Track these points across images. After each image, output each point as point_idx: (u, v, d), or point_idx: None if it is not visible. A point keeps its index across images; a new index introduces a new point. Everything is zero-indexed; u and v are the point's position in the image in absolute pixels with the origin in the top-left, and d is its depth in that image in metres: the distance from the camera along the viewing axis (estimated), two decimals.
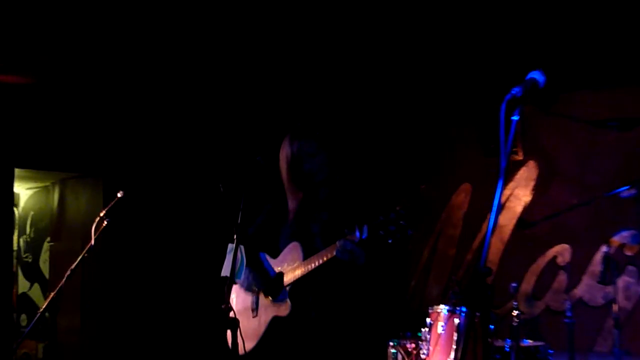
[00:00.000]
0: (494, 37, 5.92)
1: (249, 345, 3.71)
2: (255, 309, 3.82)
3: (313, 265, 3.52)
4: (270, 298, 3.75)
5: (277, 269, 3.78)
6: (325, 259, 3.48)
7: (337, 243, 3.39)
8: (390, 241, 3.19)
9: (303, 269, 3.57)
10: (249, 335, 3.72)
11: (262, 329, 3.71)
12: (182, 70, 6.65)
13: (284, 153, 3.78)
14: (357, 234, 3.30)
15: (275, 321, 3.67)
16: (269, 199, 3.99)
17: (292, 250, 3.70)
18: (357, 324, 3.64)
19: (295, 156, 3.73)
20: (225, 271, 3.73)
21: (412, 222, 3.18)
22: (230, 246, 3.70)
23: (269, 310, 3.72)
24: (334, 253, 3.40)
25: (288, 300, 3.60)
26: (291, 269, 3.66)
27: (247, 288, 3.87)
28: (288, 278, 3.66)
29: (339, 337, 3.60)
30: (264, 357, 3.71)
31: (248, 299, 3.89)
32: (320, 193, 3.76)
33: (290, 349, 3.66)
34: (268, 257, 3.87)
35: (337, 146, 3.77)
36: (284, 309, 3.62)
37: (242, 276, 3.84)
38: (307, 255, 3.58)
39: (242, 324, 3.64)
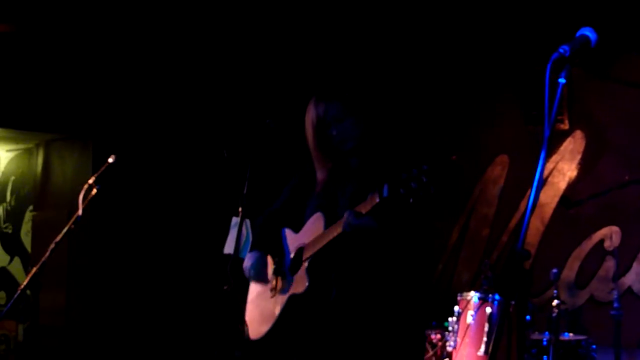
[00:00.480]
0: None
1: (264, 328, 3.73)
2: (274, 288, 3.84)
3: (327, 239, 3.54)
4: (286, 278, 3.77)
5: (297, 244, 3.79)
6: (335, 233, 3.50)
7: (344, 215, 3.41)
8: (411, 200, 3.19)
9: (321, 242, 3.59)
10: (265, 317, 3.74)
11: (278, 309, 3.73)
12: (184, 23, 6.65)
13: (309, 117, 3.77)
14: (378, 195, 3.32)
15: (292, 300, 3.69)
16: (295, 171, 3.99)
17: (315, 221, 3.72)
18: (383, 305, 3.64)
19: (321, 120, 3.72)
20: (229, 248, 3.75)
21: (435, 179, 3.18)
22: (235, 220, 3.72)
23: (287, 289, 3.75)
24: (341, 228, 3.44)
25: (306, 276, 3.62)
26: (311, 242, 3.68)
27: (255, 278, 3.89)
28: (307, 252, 3.68)
29: (363, 320, 3.60)
30: (277, 341, 3.72)
31: (266, 280, 3.91)
32: (351, 163, 3.77)
33: (306, 331, 3.67)
34: (289, 232, 3.89)
35: (367, 110, 3.76)
36: (300, 285, 3.64)
37: (248, 262, 3.86)
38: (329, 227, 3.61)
39: (259, 306, 3.67)
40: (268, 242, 3.86)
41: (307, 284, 3.59)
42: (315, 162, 3.84)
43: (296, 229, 3.85)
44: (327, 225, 3.61)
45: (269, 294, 3.86)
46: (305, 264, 3.66)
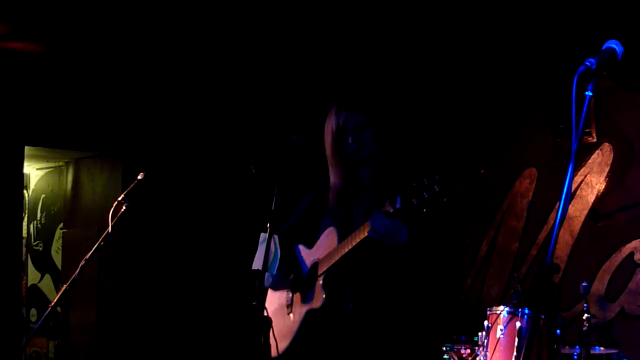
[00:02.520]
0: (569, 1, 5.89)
1: (283, 345, 3.74)
2: (290, 304, 3.84)
3: (347, 248, 3.54)
4: (302, 294, 3.78)
5: (311, 259, 3.79)
6: (358, 239, 3.48)
7: (371, 216, 3.40)
8: (425, 210, 3.19)
9: (337, 255, 3.58)
10: (283, 334, 3.75)
11: (296, 326, 3.74)
12: (212, 39, 6.69)
13: (329, 124, 3.79)
14: (391, 206, 3.32)
15: (309, 315, 3.69)
16: (309, 187, 4.01)
17: (328, 235, 3.73)
18: (402, 319, 3.63)
19: (340, 128, 3.74)
20: (257, 264, 3.75)
21: (447, 188, 3.18)
22: (263, 236, 3.73)
23: (303, 304, 3.75)
24: (367, 233, 3.42)
25: (322, 291, 3.62)
26: (326, 256, 3.68)
27: (273, 287, 3.90)
28: (322, 267, 3.68)
29: (381, 334, 3.59)
30: (297, 357, 3.73)
31: (283, 294, 3.92)
32: (363, 173, 3.77)
33: (325, 346, 3.67)
34: (302, 249, 3.89)
35: (388, 123, 3.77)
36: (317, 301, 3.64)
37: (267, 275, 3.88)
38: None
39: (277, 323, 3.68)
40: (283, 259, 3.87)
41: (323, 298, 3.59)
42: (330, 170, 3.85)
43: (310, 245, 3.85)
44: (341, 239, 3.61)
45: (285, 310, 3.86)
46: (321, 279, 3.66)
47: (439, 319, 6.58)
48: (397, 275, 3.61)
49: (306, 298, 3.75)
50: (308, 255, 3.85)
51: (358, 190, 3.78)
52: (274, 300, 3.98)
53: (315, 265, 3.74)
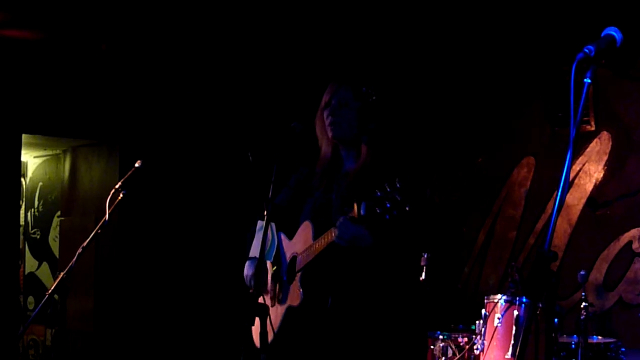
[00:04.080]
0: None
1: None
2: (274, 297, 3.86)
3: (319, 249, 3.56)
4: (283, 285, 3.79)
5: (290, 252, 3.80)
6: (326, 243, 3.51)
7: (337, 223, 3.42)
8: (387, 217, 3.21)
9: (312, 253, 3.60)
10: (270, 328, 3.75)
11: (279, 320, 3.75)
12: (209, 27, 6.67)
13: (323, 98, 3.80)
14: (356, 211, 3.34)
15: (289, 312, 3.70)
16: (298, 168, 4.00)
17: (304, 230, 3.74)
18: (380, 314, 3.63)
19: (328, 100, 3.75)
20: (254, 252, 3.75)
21: (408, 197, 3.18)
22: (260, 223, 3.72)
23: (282, 300, 3.77)
24: (333, 238, 3.44)
25: (299, 289, 3.63)
26: (303, 252, 3.69)
27: (255, 288, 3.89)
28: (300, 262, 3.70)
29: (361, 328, 3.60)
30: (281, 352, 3.73)
31: (270, 286, 3.92)
32: (344, 157, 3.78)
33: (307, 342, 3.68)
34: (284, 239, 3.90)
35: (376, 114, 3.75)
36: (295, 298, 3.66)
37: (249, 271, 3.88)
38: (318, 236, 3.61)
39: None
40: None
41: (301, 296, 3.61)
42: (320, 144, 3.86)
43: (294, 230, 3.85)
44: (316, 234, 3.62)
45: (269, 302, 3.87)
46: (298, 276, 3.67)
47: (435, 307, 6.58)
48: (367, 275, 3.62)
49: (285, 293, 3.77)
50: (288, 247, 3.85)
51: (340, 173, 3.78)
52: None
53: (294, 259, 3.76)
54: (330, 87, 3.78)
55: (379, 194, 3.21)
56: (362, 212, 3.29)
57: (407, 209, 3.20)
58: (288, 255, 3.83)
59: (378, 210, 3.21)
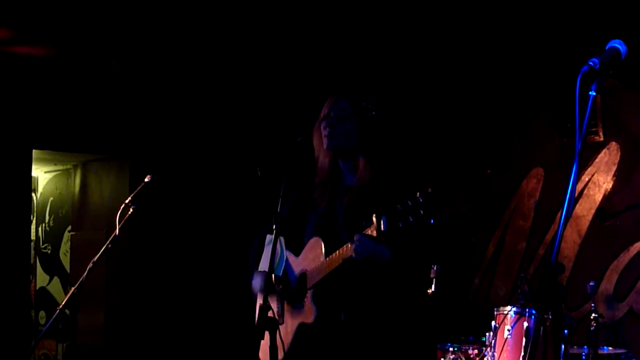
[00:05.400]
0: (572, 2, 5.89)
1: (278, 356, 3.73)
2: (282, 314, 3.82)
3: (334, 265, 3.53)
4: (294, 303, 3.77)
5: (299, 269, 3.78)
6: (342, 259, 3.48)
7: (355, 238, 3.39)
8: (410, 232, 3.21)
9: (325, 270, 3.58)
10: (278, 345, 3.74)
11: (289, 337, 3.72)
12: (218, 43, 6.71)
13: (322, 110, 3.80)
14: (376, 226, 3.31)
15: (301, 329, 3.68)
16: (300, 180, 4.00)
17: (314, 246, 3.71)
18: (394, 327, 3.63)
19: (326, 114, 3.74)
20: (263, 265, 3.75)
21: (432, 210, 3.17)
22: (269, 238, 3.73)
23: (294, 317, 3.74)
24: (351, 254, 3.41)
25: (312, 306, 3.62)
26: (313, 269, 3.67)
27: (262, 291, 3.88)
28: (310, 279, 3.67)
29: (375, 343, 3.59)
30: None
31: (273, 303, 3.90)
32: (343, 169, 3.76)
33: (320, 358, 3.67)
34: (289, 256, 3.87)
35: (375, 130, 3.74)
36: (309, 315, 3.63)
37: (257, 277, 3.87)
38: (329, 252, 3.59)
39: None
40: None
41: (315, 314, 3.59)
42: (319, 158, 3.84)
43: (297, 245, 3.82)
44: (327, 250, 3.59)
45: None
46: (310, 293, 3.65)
47: (446, 319, 6.58)
48: (383, 288, 3.60)
49: (296, 311, 3.74)
50: (296, 264, 3.82)
51: (341, 188, 3.77)
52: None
53: (303, 276, 3.73)
54: (330, 100, 3.77)
55: (400, 207, 3.21)
56: (383, 227, 3.27)
57: (431, 222, 3.20)
58: (297, 272, 3.80)
59: (400, 225, 3.21)
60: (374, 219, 3.32)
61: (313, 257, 3.69)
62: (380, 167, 3.70)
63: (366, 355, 3.58)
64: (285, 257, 3.73)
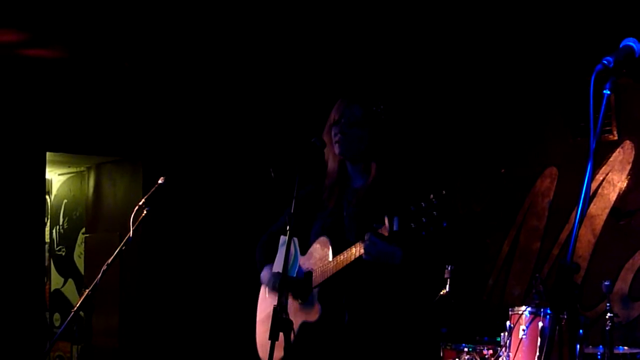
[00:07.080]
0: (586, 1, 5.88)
1: (279, 354, 3.73)
2: (286, 312, 3.83)
3: (341, 265, 3.53)
4: (299, 301, 3.77)
5: (304, 268, 3.78)
6: (352, 258, 3.48)
7: (366, 238, 3.38)
8: (423, 234, 3.19)
9: (331, 269, 3.58)
10: (279, 342, 3.74)
11: (291, 336, 3.72)
12: (232, 45, 6.72)
13: (332, 114, 3.79)
14: (388, 227, 3.30)
15: (304, 327, 3.68)
16: (312, 181, 4.00)
17: (321, 245, 3.71)
18: (397, 330, 3.62)
19: (336, 117, 3.74)
20: (277, 266, 3.76)
21: (445, 213, 3.16)
22: (283, 239, 3.73)
23: (297, 315, 3.72)
24: (361, 254, 3.41)
25: (317, 304, 3.62)
26: (319, 268, 3.67)
27: (273, 287, 3.88)
28: (316, 279, 3.68)
29: (377, 345, 3.58)
30: None
31: (276, 300, 3.90)
32: (352, 173, 3.76)
33: (322, 357, 3.66)
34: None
35: (386, 134, 3.74)
36: (313, 314, 3.64)
37: (266, 273, 3.87)
38: (336, 252, 3.59)
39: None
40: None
41: (320, 311, 3.60)
42: (329, 159, 3.84)
43: (302, 244, 3.81)
44: (334, 249, 3.60)
45: None
46: (316, 291, 3.66)
47: (460, 319, 6.57)
48: (391, 290, 3.60)
49: (300, 309, 3.74)
50: (300, 262, 3.81)
51: (349, 190, 3.77)
52: (266, 304, 3.96)
53: (309, 274, 3.74)
54: (340, 104, 3.76)
55: (413, 208, 3.20)
56: (395, 227, 3.27)
57: (444, 225, 3.19)
58: (302, 270, 3.80)
59: (413, 226, 3.20)
60: (386, 219, 3.32)
61: (320, 256, 3.69)
62: (390, 170, 3.71)
63: (367, 356, 3.58)
64: (298, 258, 3.73)
